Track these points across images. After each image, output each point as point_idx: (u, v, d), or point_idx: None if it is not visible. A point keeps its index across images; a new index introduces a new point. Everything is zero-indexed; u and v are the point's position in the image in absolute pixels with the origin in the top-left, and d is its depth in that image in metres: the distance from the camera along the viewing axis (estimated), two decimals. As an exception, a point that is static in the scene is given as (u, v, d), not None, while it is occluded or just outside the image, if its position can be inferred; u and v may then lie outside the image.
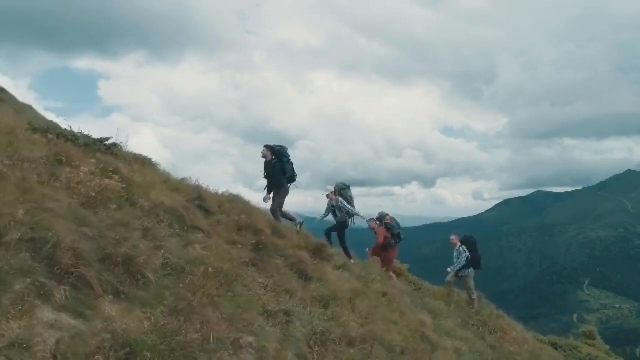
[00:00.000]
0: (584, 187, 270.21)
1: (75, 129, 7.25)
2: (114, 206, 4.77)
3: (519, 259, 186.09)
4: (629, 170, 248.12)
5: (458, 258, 10.11)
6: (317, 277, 5.75)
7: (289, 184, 8.56)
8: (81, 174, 4.76)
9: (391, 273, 9.61)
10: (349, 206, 9.04)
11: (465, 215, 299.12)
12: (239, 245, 5.63)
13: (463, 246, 10.19)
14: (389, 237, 9.74)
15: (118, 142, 7.76)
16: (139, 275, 3.75)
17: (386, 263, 9.64)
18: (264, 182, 8.69)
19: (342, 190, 9.28)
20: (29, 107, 26.44)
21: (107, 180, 4.92)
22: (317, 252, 6.88)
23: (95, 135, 7.47)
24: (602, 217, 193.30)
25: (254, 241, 5.88)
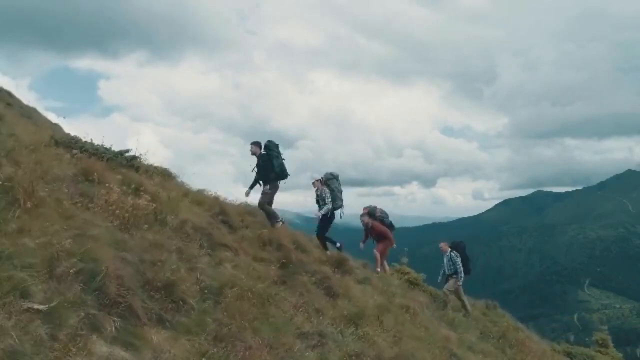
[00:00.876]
0: (584, 187, 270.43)
1: (87, 138, 7.28)
2: (146, 226, 4.79)
3: (519, 259, 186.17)
4: (629, 170, 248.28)
5: (451, 265, 9.83)
6: (344, 294, 5.76)
7: (279, 181, 8.19)
8: (114, 194, 4.76)
9: (385, 262, 9.49)
10: (328, 199, 8.57)
11: (465, 216, 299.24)
12: (266, 262, 5.65)
13: (455, 252, 9.94)
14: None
15: (137, 154, 7.80)
16: (180, 302, 3.76)
17: (385, 250, 9.55)
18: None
19: (328, 180, 8.87)
20: (34, 110, 26.48)
21: (138, 200, 4.92)
22: (339, 266, 6.89)
23: (100, 140, 7.49)
24: (603, 217, 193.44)
25: (279, 257, 5.89)
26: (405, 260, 10.84)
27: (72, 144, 6.92)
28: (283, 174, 8.17)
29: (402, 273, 10.02)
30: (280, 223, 7.81)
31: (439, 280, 10.42)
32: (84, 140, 7.29)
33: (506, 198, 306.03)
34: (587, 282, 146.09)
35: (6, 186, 3.49)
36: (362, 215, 9.67)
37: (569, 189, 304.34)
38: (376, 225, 9.56)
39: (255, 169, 8.24)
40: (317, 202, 8.83)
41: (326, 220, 8.68)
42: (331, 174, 8.97)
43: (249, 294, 4.43)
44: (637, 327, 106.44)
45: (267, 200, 8.05)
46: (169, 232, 4.97)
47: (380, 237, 9.53)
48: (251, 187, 8.34)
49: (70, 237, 3.44)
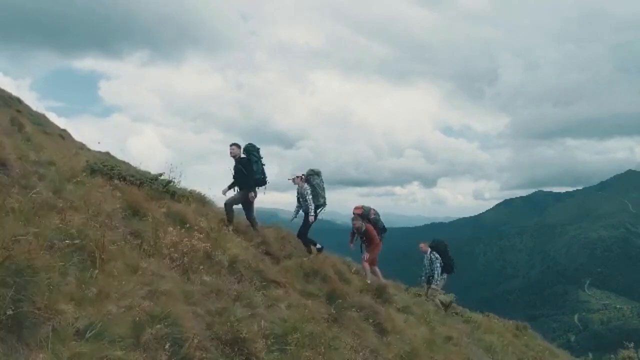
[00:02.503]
0: (585, 187, 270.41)
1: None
2: (202, 267, 4.69)
3: (520, 259, 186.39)
4: (630, 171, 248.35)
5: (431, 266, 9.37)
6: (392, 329, 5.67)
7: (258, 187, 7.64)
8: (168, 236, 4.67)
9: (375, 268, 8.69)
10: (309, 198, 7.98)
11: (466, 216, 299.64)
12: (315, 298, 5.56)
13: (434, 252, 9.43)
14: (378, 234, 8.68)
15: (171, 178, 7.71)
16: (252, 357, 3.66)
17: (373, 258, 8.72)
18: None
19: (310, 177, 8.28)
20: (43, 116, 26.41)
21: (192, 240, 4.82)
22: (380, 294, 6.81)
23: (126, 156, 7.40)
24: (603, 218, 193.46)
25: (326, 291, 5.81)
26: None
27: (108, 170, 6.82)
28: (263, 180, 7.69)
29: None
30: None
31: (422, 281, 10.08)
32: (117, 166, 7.18)
33: (507, 198, 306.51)
34: (587, 282, 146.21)
35: (78, 244, 3.38)
36: (354, 219, 8.82)
37: (570, 189, 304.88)
38: (370, 229, 8.66)
39: (233, 173, 7.65)
40: (298, 199, 8.30)
41: (306, 220, 8.06)
42: (313, 170, 8.42)
43: (310, 338, 4.34)
44: (638, 327, 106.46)
45: (238, 201, 7.47)
46: (224, 271, 4.88)
47: (370, 243, 8.67)
48: (230, 187, 7.72)
49: (146, 295, 3.34)
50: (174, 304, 3.39)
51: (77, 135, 26.28)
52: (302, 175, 8.35)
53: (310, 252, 7.94)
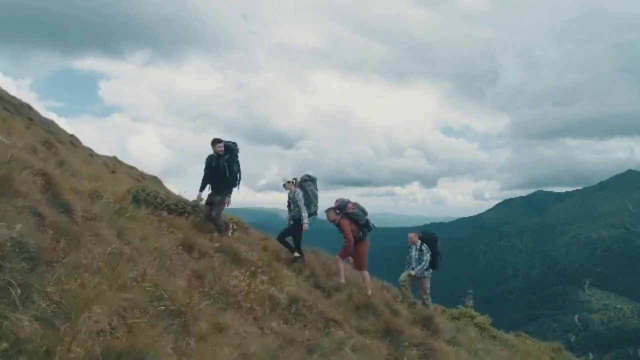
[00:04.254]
0: (585, 187, 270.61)
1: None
2: (267, 311, 4.59)
3: (520, 259, 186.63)
4: (630, 171, 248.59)
5: (420, 257, 8.77)
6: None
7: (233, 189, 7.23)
8: (233, 280, 4.56)
9: (365, 273, 8.01)
10: (302, 205, 7.48)
11: (466, 215, 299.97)
12: (371, 335, 5.47)
13: (425, 244, 8.85)
14: (356, 230, 7.89)
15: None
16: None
17: (358, 261, 8.05)
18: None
19: (304, 182, 7.81)
20: (52, 122, 26.28)
21: (257, 282, 4.72)
22: (428, 325, 6.71)
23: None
24: (603, 218, 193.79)
25: (380, 327, 5.71)
26: (470, 302, 10.62)
27: (152, 199, 6.69)
28: (238, 183, 7.29)
29: (468, 317, 9.84)
30: (232, 232, 7.13)
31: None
32: (157, 193, 7.05)
33: (507, 198, 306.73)
34: (587, 282, 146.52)
35: (167, 305, 3.26)
36: (327, 210, 8.03)
37: (570, 189, 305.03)
38: (343, 224, 7.82)
39: (207, 170, 7.18)
40: (289, 205, 7.82)
41: (299, 228, 7.58)
42: (308, 175, 7.96)
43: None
44: (638, 327, 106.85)
45: (221, 210, 7.08)
46: (287, 315, 4.78)
47: (344, 238, 7.84)
48: (202, 189, 7.28)
49: (239, 360, 3.23)
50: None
51: (72, 132, 26.17)
52: (294, 180, 7.91)
53: (293, 252, 7.60)
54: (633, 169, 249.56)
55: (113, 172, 20.64)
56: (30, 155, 5.30)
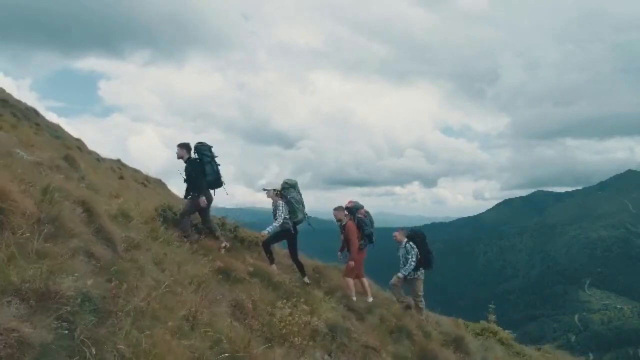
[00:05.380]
0: (584, 187, 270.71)
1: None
2: (308, 342, 4.52)
3: (520, 259, 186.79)
4: (630, 170, 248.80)
5: (405, 256, 8.20)
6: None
7: (213, 190, 7.03)
8: (277, 311, 4.49)
9: (364, 280, 7.73)
10: (283, 215, 7.14)
11: (466, 215, 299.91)
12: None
13: (411, 243, 8.24)
14: (359, 238, 7.51)
15: (232, 220, 7.56)
16: None
17: (354, 270, 7.55)
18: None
19: (284, 190, 7.44)
20: (58, 127, 26.19)
21: (298, 312, 4.65)
22: (458, 345, 6.65)
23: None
24: (603, 218, 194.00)
25: (415, 352, 5.65)
26: (492, 317, 10.54)
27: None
28: (219, 182, 7.05)
29: (490, 332, 9.78)
30: (224, 248, 6.68)
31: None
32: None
33: (507, 198, 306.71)
34: (587, 282, 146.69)
35: (226, 350, 3.18)
36: (336, 209, 7.64)
37: (570, 189, 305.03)
38: (350, 228, 7.51)
39: (184, 176, 7.01)
40: (274, 214, 7.41)
41: (290, 235, 7.31)
42: (287, 182, 7.56)
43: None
44: (638, 327, 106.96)
45: (191, 211, 6.85)
46: (328, 345, 4.71)
47: (348, 244, 7.57)
48: (186, 196, 7.14)
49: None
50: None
51: (73, 132, 26.13)
52: (275, 190, 7.49)
53: (272, 262, 7.18)
54: (633, 169, 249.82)
55: (121, 177, 20.55)
56: (62, 180, 5.21)
